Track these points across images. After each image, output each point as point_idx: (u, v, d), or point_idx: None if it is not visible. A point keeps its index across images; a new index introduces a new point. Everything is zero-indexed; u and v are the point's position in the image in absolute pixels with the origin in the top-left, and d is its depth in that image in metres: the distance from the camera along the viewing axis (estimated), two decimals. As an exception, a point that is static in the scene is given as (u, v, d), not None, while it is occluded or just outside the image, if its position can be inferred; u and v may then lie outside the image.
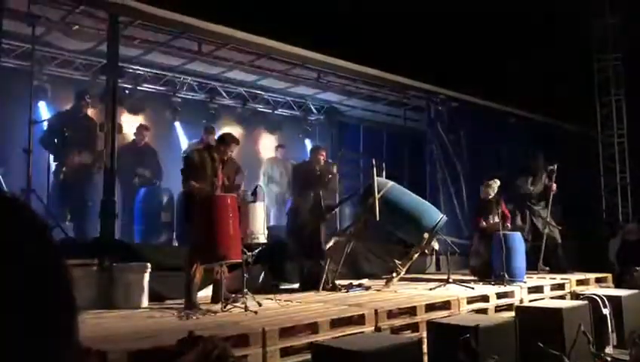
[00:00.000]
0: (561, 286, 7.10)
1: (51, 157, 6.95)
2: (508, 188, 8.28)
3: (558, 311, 5.27)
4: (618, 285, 7.70)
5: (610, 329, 6.02)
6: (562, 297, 6.88)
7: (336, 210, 7.39)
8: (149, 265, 5.44)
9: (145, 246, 6.60)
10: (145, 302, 5.34)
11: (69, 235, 6.46)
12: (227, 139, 5.53)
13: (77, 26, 6.84)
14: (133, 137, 8.16)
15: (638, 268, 7.67)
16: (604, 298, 6.25)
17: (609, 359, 5.22)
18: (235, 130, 9.77)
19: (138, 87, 8.57)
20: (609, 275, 8.04)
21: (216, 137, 7.32)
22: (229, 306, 4.86)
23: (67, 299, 0.77)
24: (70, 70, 7.96)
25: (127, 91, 8.39)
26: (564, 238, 8.28)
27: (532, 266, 7.83)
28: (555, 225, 8.18)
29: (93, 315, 4.71)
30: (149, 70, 8.56)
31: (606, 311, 6.09)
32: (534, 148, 8.74)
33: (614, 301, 6.28)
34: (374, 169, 6.60)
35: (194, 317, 4.58)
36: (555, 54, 12.73)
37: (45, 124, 7.03)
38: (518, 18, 12.76)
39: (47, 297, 0.74)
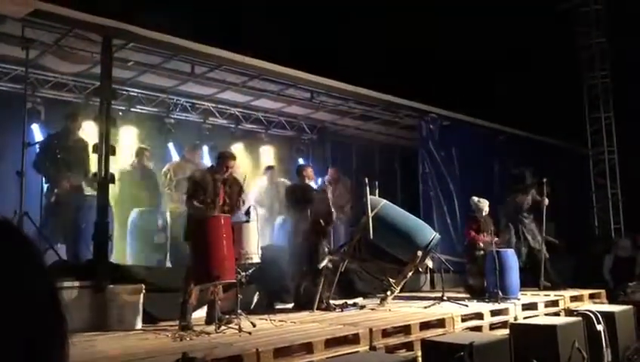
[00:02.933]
0: (555, 303, 7.11)
1: (44, 179, 6.93)
2: (501, 206, 8.33)
3: (552, 328, 5.29)
4: (612, 301, 7.71)
5: (604, 346, 6.03)
6: (556, 314, 6.89)
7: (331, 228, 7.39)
8: (142, 286, 5.43)
9: (138, 268, 6.58)
10: (139, 323, 5.32)
11: (62, 257, 6.43)
12: (223, 155, 5.58)
13: (70, 49, 6.88)
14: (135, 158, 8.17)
15: (631, 284, 7.70)
16: (598, 314, 6.27)
17: (604, 375, 5.23)
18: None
19: (131, 109, 8.60)
20: (602, 291, 8.06)
21: (200, 154, 7.32)
22: (222, 327, 4.84)
23: (57, 321, 0.78)
24: (63, 92, 7.98)
25: (120, 113, 8.40)
26: (557, 254, 8.28)
27: (527, 282, 7.86)
28: (552, 239, 8.15)
29: (86, 337, 4.69)
30: (142, 92, 8.59)
31: (600, 327, 6.11)
32: (521, 167, 8.76)
33: (608, 317, 6.30)
34: (367, 187, 6.64)
35: (188, 339, 4.57)
36: (544, 73, 12.91)
37: (37, 147, 7.02)
38: (507, 38, 12.96)
39: (37, 320, 0.75)
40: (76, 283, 5.28)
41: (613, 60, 13.75)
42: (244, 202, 5.63)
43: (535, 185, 8.24)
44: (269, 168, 9.75)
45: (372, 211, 6.53)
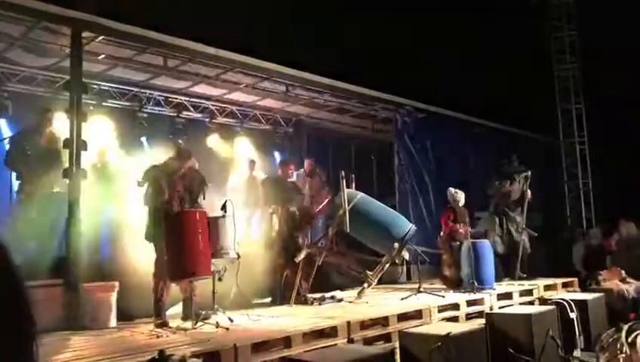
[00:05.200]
0: (529, 292, 7.22)
1: (14, 175, 6.78)
2: (483, 195, 8.40)
3: (527, 317, 5.36)
4: (584, 289, 7.86)
5: (577, 333, 6.14)
6: (531, 303, 7.00)
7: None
8: (116, 283, 5.35)
9: (112, 265, 6.47)
10: (113, 321, 5.25)
11: (33, 255, 6.29)
12: (182, 155, 5.48)
13: (39, 42, 6.72)
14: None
15: (601, 272, 7.84)
16: (571, 302, 6.38)
17: (577, 362, 5.33)
18: (204, 145, 9.77)
19: (103, 103, 8.44)
20: (575, 280, 8.20)
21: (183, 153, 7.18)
22: (199, 323, 4.80)
23: (25, 321, 0.75)
24: (32, 87, 7.80)
25: (91, 107, 8.25)
26: (533, 244, 8.38)
27: (507, 274, 7.97)
28: (532, 231, 8.25)
29: (59, 336, 4.60)
30: (114, 86, 8.44)
31: (573, 315, 6.22)
32: (508, 153, 8.83)
33: (581, 305, 6.42)
34: (343, 180, 6.63)
35: (164, 336, 4.52)
36: (516, 66, 13.07)
37: (7, 143, 6.86)
38: (480, 32, 13.09)
39: (3, 320, 0.72)
40: (47, 282, 5.17)
41: (583, 52, 13.99)
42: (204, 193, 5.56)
43: (522, 174, 8.28)
44: (250, 162, 9.68)
45: (348, 204, 6.53)
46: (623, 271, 7.61)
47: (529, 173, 8.18)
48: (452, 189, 7.90)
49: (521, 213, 8.23)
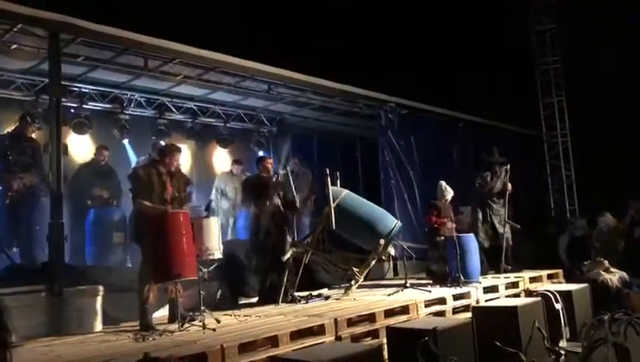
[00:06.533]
0: (515, 285, 7.26)
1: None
2: (468, 189, 8.43)
3: (513, 309, 5.40)
4: (569, 280, 7.93)
5: (563, 323, 6.21)
6: (517, 295, 7.05)
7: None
8: (101, 287, 5.30)
9: (97, 269, 6.42)
10: (99, 326, 5.20)
11: (16, 262, 6.23)
12: (169, 149, 5.45)
13: (16, 45, 6.62)
14: (93, 156, 8.12)
15: (585, 263, 7.92)
16: (556, 293, 6.45)
17: (563, 352, 5.37)
18: (187, 145, 9.70)
19: (83, 106, 8.35)
20: (560, 271, 8.27)
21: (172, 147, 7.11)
22: (186, 325, 4.78)
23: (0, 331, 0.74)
24: (10, 90, 7.68)
25: (72, 110, 8.17)
26: (515, 237, 8.42)
27: (492, 266, 8.01)
28: (514, 224, 8.28)
29: (43, 343, 4.56)
30: (94, 88, 8.34)
31: (558, 306, 6.29)
32: (488, 145, 8.83)
33: (566, 295, 6.50)
34: (328, 178, 6.63)
35: (150, 339, 4.49)
36: (498, 60, 13.15)
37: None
38: (462, 27, 13.14)
39: None
40: (31, 288, 5.10)
41: (563, 45, 14.12)
42: (190, 196, 5.54)
43: (502, 166, 8.30)
44: (236, 162, 9.64)
45: (334, 202, 6.53)
46: (607, 261, 7.69)
47: (508, 166, 8.21)
48: (443, 183, 7.93)
49: (503, 205, 8.24)
